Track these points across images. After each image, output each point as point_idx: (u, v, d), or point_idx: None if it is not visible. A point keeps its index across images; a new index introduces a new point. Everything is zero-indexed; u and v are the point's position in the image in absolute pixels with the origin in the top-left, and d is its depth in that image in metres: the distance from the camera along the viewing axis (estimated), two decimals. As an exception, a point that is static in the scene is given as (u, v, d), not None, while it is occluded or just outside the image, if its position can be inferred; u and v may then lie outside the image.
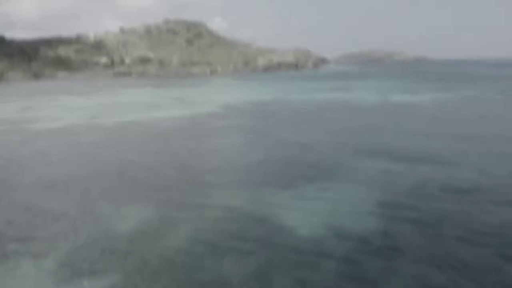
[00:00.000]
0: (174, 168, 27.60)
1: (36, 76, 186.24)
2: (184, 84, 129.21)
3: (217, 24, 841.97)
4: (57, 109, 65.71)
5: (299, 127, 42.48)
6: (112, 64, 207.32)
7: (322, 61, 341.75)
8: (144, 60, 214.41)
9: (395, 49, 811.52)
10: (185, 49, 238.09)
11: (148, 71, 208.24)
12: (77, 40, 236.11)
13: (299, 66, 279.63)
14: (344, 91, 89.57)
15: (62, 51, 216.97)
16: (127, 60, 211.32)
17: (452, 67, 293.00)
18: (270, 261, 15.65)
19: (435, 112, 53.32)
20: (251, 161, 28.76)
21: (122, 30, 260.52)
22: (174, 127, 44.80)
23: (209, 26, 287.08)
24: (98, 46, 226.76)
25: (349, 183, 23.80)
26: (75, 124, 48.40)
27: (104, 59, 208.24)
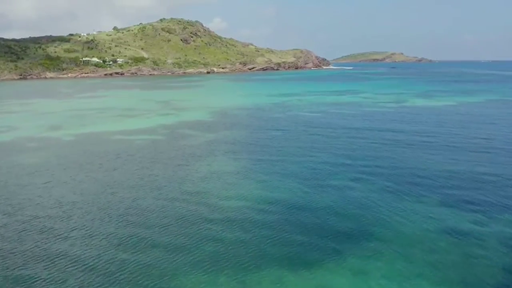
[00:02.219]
0: (119, 218, 18.14)
1: (23, 76, 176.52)
2: (176, 85, 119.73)
3: (216, 24, 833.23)
4: (20, 115, 56.17)
5: (305, 146, 32.86)
6: (103, 63, 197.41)
7: (323, 61, 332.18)
8: (138, 60, 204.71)
9: (395, 50, 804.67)
10: (181, 48, 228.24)
11: (142, 71, 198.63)
12: (69, 40, 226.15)
13: (299, 66, 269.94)
14: (352, 94, 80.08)
15: (52, 50, 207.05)
16: (120, 60, 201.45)
17: (455, 68, 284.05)
18: None
19: (469, 122, 43.83)
20: (239, 210, 19.20)
21: (116, 30, 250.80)
22: (145, 143, 35.26)
23: (207, 25, 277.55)
24: (90, 45, 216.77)
25: (393, 259, 14.25)
26: (26, 138, 38.90)
27: (95, 59, 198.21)
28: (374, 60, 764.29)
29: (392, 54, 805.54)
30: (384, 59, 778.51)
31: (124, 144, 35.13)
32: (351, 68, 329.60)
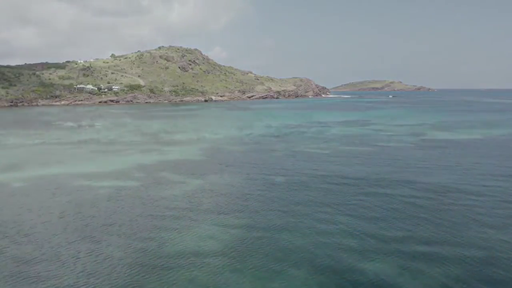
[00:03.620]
0: None
1: (14, 103, 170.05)
2: (170, 114, 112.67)
3: (216, 53, 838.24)
4: (-21, 150, 48.24)
5: (317, 207, 24.45)
6: (98, 91, 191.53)
7: (323, 90, 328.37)
8: (134, 87, 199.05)
9: (394, 78, 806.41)
10: (179, 76, 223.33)
11: (138, 98, 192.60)
12: (64, 66, 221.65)
13: (299, 95, 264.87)
14: (363, 126, 72.48)
15: (47, 77, 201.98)
16: (116, 87, 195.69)
17: (458, 97, 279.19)
18: None
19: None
20: None
21: (113, 57, 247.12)
22: (107, 194, 27.13)
23: (206, 54, 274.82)
24: (86, 72, 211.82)
25: None
26: (-38, 183, 30.84)
27: (90, 86, 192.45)
28: (373, 88, 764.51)
29: (391, 82, 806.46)
30: (383, 87, 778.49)
31: (81, 194, 27.02)
32: (352, 96, 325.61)
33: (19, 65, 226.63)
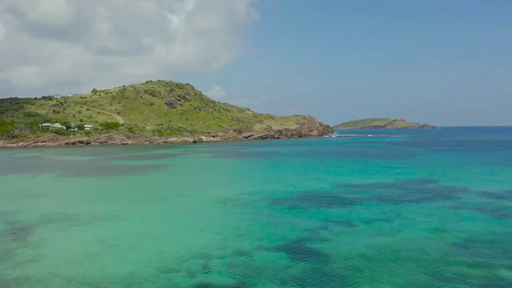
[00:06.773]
0: None
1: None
2: (133, 164, 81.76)
3: (216, 92, 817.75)
4: None
5: None
6: (66, 130, 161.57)
7: (327, 128, 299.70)
8: (110, 126, 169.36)
9: (396, 116, 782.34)
10: (165, 113, 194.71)
11: (113, 139, 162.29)
12: (34, 102, 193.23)
13: (303, 134, 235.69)
14: (446, 197, 40.57)
15: (10, 114, 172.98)
16: (88, 126, 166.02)
17: (473, 136, 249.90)
18: None
19: None
20: None
21: (94, 92, 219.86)
22: None
23: (207, 93, 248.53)
24: (57, 109, 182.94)
25: None
26: None
27: (57, 125, 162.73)
28: (376, 126, 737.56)
29: (394, 120, 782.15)
30: (385, 125, 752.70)
31: None
32: (358, 135, 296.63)
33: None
